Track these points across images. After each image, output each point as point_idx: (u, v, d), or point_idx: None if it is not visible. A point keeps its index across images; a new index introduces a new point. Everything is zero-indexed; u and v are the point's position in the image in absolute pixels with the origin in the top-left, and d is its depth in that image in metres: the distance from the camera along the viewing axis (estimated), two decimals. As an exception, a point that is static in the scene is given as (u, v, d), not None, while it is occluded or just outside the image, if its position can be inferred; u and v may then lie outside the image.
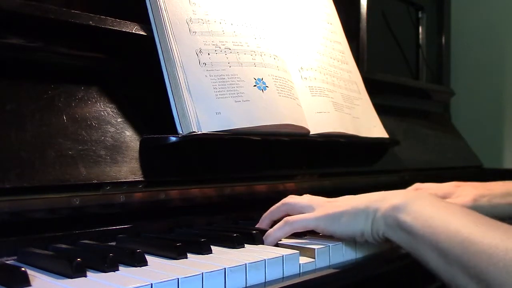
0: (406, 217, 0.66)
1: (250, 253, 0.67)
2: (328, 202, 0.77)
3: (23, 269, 0.53)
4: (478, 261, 0.58)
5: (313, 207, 0.76)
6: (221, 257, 0.65)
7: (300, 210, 0.78)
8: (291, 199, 0.80)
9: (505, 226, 0.62)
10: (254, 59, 0.92)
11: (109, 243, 0.75)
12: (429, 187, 1.10)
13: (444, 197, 1.04)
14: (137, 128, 0.82)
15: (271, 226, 0.79)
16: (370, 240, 0.71)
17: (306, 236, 0.78)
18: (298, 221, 0.75)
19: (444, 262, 0.62)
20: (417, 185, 1.12)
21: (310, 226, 0.74)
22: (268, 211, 0.82)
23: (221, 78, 0.86)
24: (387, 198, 0.70)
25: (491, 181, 1.13)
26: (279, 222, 0.76)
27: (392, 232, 0.68)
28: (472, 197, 1.01)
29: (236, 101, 0.86)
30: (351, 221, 0.71)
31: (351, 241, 0.74)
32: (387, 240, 0.70)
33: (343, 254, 0.73)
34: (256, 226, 0.82)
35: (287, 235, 0.75)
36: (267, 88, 0.91)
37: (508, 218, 1.00)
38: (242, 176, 0.94)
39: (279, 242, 0.74)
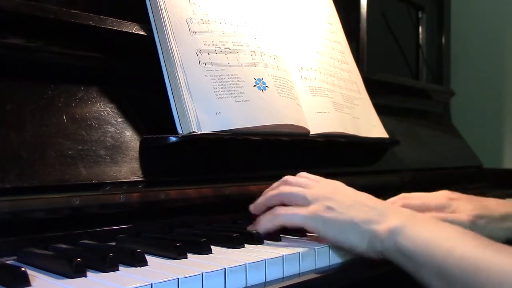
0: (405, 242, 0.65)
1: (250, 253, 0.67)
2: (324, 197, 0.74)
3: (23, 269, 0.53)
4: None
5: (308, 200, 0.74)
6: (221, 257, 0.65)
7: (295, 201, 0.75)
8: (287, 189, 0.77)
9: (510, 249, 0.61)
10: (254, 59, 0.92)
11: (109, 243, 0.75)
12: (417, 197, 1.02)
13: (437, 209, 1.00)
14: (137, 128, 0.82)
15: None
16: (363, 256, 0.70)
17: (307, 233, 0.77)
18: (287, 216, 0.74)
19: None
20: (403, 195, 1.04)
21: (301, 225, 0.73)
22: (265, 196, 0.80)
23: (221, 78, 0.86)
24: (386, 219, 0.69)
25: (491, 180, 1.10)
26: (269, 211, 0.76)
27: (390, 254, 0.67)
28: (470, 218, 0.94)
29: (236, 101, 0.86)
30: (343, 234, 0.70)
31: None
32: (383, 260, 0.69)
33: (344, 255, 0.73)
34: (251, 208, 0.81)
35: (276, 229, 0.75)
36: (267, 88, 0.91)
37: (502, 242, 0.96)
38: (242, 176, 0.94)
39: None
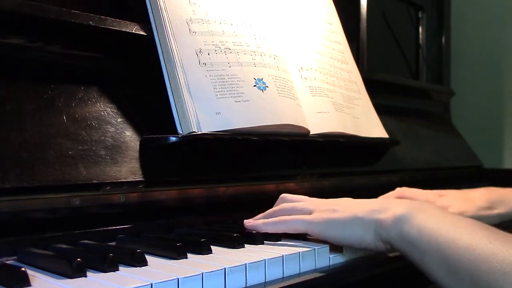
0: (410, 230, 0.65)
1: (250, 253, 0.67)
2: (326, 205, 0.75)
3: (23, 269, 0.53)
4: (492, 279, 0.57)
5: (309, 210, 0.75)
6: (221, 257, 0.65)
7: (297, 214, 0.76)
8: (288, 205, 0.78)
9: None
10: (254, 59, 0.92)
11: (109, 243, 0.75)
12: (411, 192, 1.06)
13: None
14: (137, 128, 0.82)
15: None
16: (371, 248, 0.70)
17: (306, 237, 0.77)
18: (293, 221, 0.74)
19: (453, 278, 0.61)
20: (398, 189, 1.08)
21: (305, 230, 0.73)
22: (264, 213, 0.80)
23: (221, 78, 0.86)
24: (389, 208, 0.68)
25: (491, 180, 1.11)
26: (274, 218, 0.75)
27: (396, 243, 0.67)
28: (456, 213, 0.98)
29: (236, 101, 0.86)
30: (348, 230, 0.70)
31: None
32: (391, 249, 0.69)
33: (343, 255, 0.73)
34: (247, 224, 0.79)
35: (277, 232, 0.75)
36: (267, 88, 0.91)
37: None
38: (242, 176, 0.94)
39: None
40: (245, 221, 0.80)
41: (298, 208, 0.77)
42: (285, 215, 0.77)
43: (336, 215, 0.71)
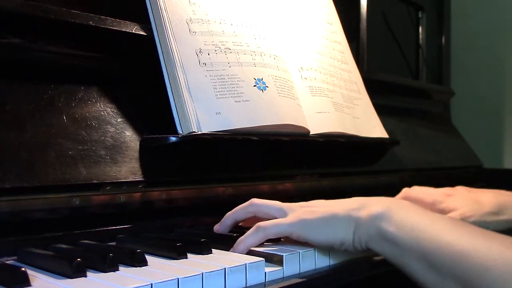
0: (389, 227, 0.64)
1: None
2: (301, 207, 0.71)
3: (23, 269, 0.53)
4: (474, 275, 0.56)
5: (284, 211, 0.71)
6: (221, 257, 0.65)
7: (268, 211, 0.73)
8: (259, 200, 0.75)
9: (501, 237, 0.60)
10: (254, 59, 0.92)
11: (109, 243, 0.75)
12: (417, 193, 1.05)
13: (431, 204, 0.99)
14: (137, 128, 0.82)
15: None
16: (351, 249, 0.68)
17: (281, 241, 0.74)
18: (271, 227, 0.69)
19: (434, 275, 0.60)
20: (405, 190, 1.07)
21: (285, 233, 0.69)
22: (233, 210, 0.76)
23: (221, 78, 0.86)
24: (367, 206, 0.67)
25: (491, 180, 1.10)
26: (251, 229, 0.70)
27: (375, 243, 0.65)
28: (459, 216, 0.95)
29: (236, 101, 0.86)
30: (329, 229, 0.67)
31: (325, 249, 0.70)
32: (369, 250, 0.67)
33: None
34: (217, 226, 0.77)
35: (260, 242, 0.69)
36: (267, 88, 0.91)
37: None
38: (242, 176, 0.94)
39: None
40: (215, 227, 0.77)
41: (270, 207, 0.73)
42: (254, 213, 0.74)
43: (317, 216, 0.68)
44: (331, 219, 0.68)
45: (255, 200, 0.75)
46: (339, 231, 0.67)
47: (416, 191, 1.06)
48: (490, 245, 0.58)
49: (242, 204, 0.76)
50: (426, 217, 0.64)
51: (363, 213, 0.67)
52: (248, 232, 0.70)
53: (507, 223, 0.99)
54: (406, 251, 0.62)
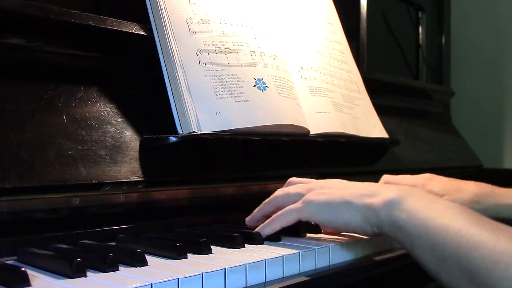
0: (400, 214, 0.65)
1: (250, 253, 0.67)
2: (318, 187, 0.75)
3: (23, 269, 0.53)
4: (482, 267, 0.56)
5: (302, 194, 0.75)
6: (221, 257, 0.65)
7: (289, 200, 0.76)
8: (281, 191, 0.79)
9: (509, 229, 0.60)
10: (254, 59, 0.92)
11: (109, 243, 0.75)
12: (398, 179, 1.06)
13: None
14: (137, 128, 0.82)
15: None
16: (357, 232, 0.71)
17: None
18: (284, 215, 0.74)
19: (442, 264, 0.60)
20: (385, 177, 1.09)
21: (296, 218, 0.73)
22: (260, 206, 0.81)
23: (221, 78, 0.86)
24: (379, 193, 0.68)
25: (490, 179, 1.10)
26: (269, 219, 0.75)
27: (386, 228, 0.67)
28: None
29: (236, 101, 0.86)
30: (336, 213, 0.70)
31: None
32: (379, 234, 0.69)
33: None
34: (247, 220, 0.82)
35: (275, 231, 0.74)
36: (267, 88, 0.91)
37: None
38: (242, 176, 0.94)
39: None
40: (246, 219, 0.81)
41: (291, 193, 0.76)
42: (277, 205, 0.77)
43: (325, 197, 0.71)
44: (340, 204, 0.70)
45: (277, 192, 0.79)
46: (346, 215, 0.70)
47: (396, 177, 1.07)
48: (499, 238, 0.58)
49: (268, 199, 0.80)
50: (437, 205, 0.65)
51: (375, 199, 0.68)
52: (265, 223, 0.75)
53: (484, 213, 1.01)
54: (416, 239, 0.63)
